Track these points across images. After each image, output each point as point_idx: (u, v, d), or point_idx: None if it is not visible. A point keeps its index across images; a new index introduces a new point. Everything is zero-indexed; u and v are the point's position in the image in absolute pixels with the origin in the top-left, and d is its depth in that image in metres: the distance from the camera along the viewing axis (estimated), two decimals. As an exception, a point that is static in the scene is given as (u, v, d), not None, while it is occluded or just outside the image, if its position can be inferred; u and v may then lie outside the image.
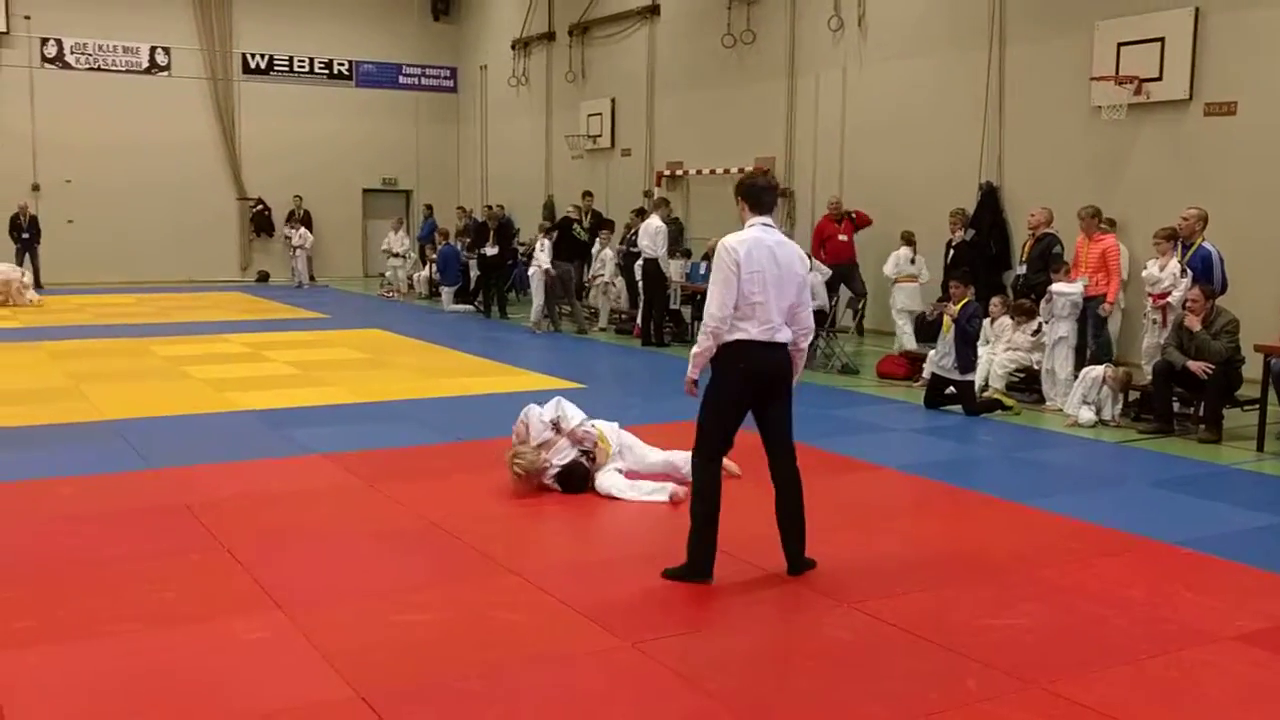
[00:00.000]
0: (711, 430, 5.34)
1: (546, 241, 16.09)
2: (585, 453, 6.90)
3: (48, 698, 3.96)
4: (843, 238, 14.63)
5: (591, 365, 13.17)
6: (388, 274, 22.38)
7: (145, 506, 6.49)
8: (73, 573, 5.31)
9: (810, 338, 5.51)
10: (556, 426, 6.97)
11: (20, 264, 20.82)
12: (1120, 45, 12.11)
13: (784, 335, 5.27)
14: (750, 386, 5.27)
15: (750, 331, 5.17)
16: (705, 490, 5.33)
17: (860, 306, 14.87)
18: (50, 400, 9.94)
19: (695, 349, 5.30)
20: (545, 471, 6.85)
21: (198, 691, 4.04)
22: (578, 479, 6.82)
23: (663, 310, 14.72)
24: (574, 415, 7.04)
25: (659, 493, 6.73)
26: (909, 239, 13.67)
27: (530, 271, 16.24)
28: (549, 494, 6.82)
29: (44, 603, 4.87)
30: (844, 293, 14.52)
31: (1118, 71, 12.06)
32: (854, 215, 14.73)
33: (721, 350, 5.22)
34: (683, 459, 6.84)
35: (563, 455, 6.87)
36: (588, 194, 19.28)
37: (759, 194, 5.37)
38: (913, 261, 13.52)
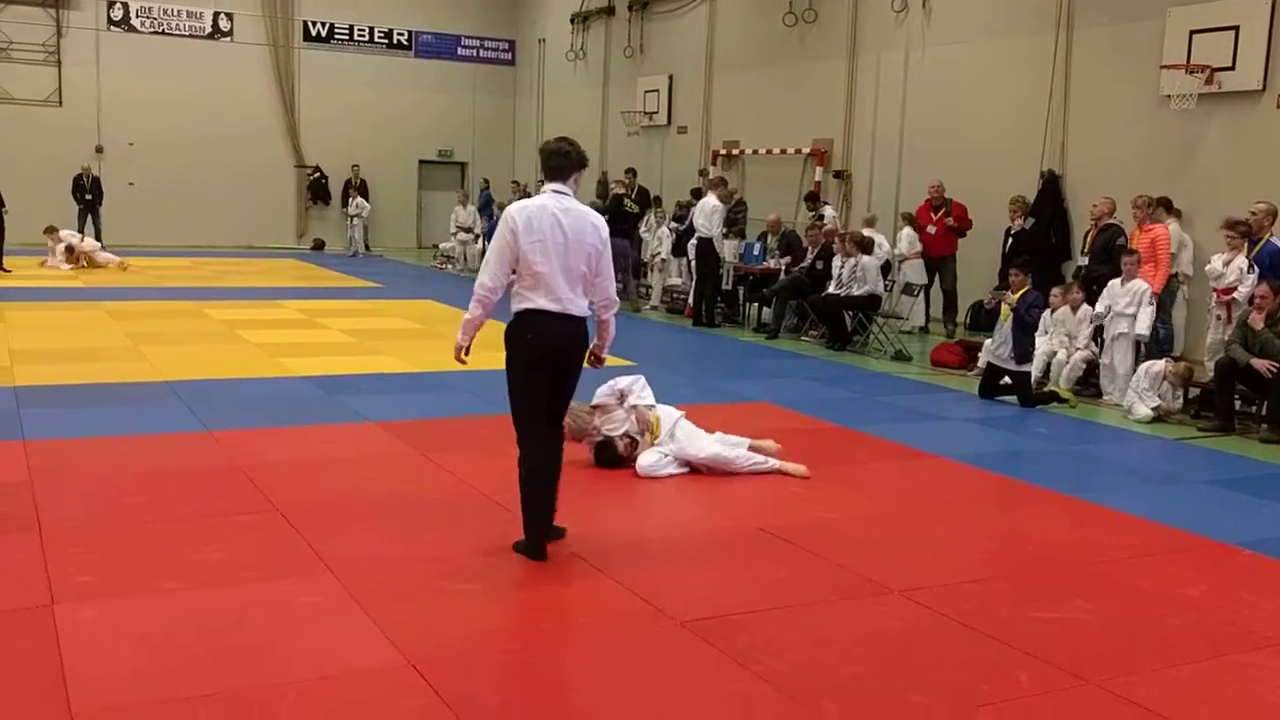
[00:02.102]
0: (519, 410, 5.17)
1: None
2: (635, 435, 6.88)
3: (105, 651, 4.02)
4: (931, 230, 14.01)
5: (641, 343, 13.11)
6: (444, 246, 22.36)
7: (200, 468, 6.57)
8: (130, 530, 5.39)
9: (614, 309, 5.28)
10: (622, 396, 7.01)
11: (82, 226, 21.13)
12: (1192, 33, 11.85)
13: (577, 308, 5.06)
14: (540, 357, 5.07)
15: (537, 301, 5.01)
16: (524, 471, 5.17)
17: (954, 303, 14.12)
18: (110, 359, 10.09)
19: (465, 315, 5.15)
20: (591, 436, 6.85)
21: (249, 652, 4.08)
22: (607, 456, 6.83)
23: (715, 290, 14.64)
24: (642, 393, 7.04)
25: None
26: (911, 219, 14.40)
27: None
28: (600, 470, 6.81)
29: (102, 559, 4.95)
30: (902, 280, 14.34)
31: (1189, 60, 11.80)
32: (951, 207, 13.93)
33: (511, 321, 5.10)
34: (734, 453, 6.78)
35: (613, 426, 6.87)
36: (630, 171, 19.25)
37: (549, 159, 5.17)
38: (920, 240, 14.31)
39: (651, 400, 7.05)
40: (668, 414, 7.03)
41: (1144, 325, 9.80)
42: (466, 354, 5.25)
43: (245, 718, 3.60)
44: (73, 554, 4.97)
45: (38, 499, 5.75)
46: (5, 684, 3.73)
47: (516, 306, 5.07)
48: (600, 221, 5.19)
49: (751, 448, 7.04)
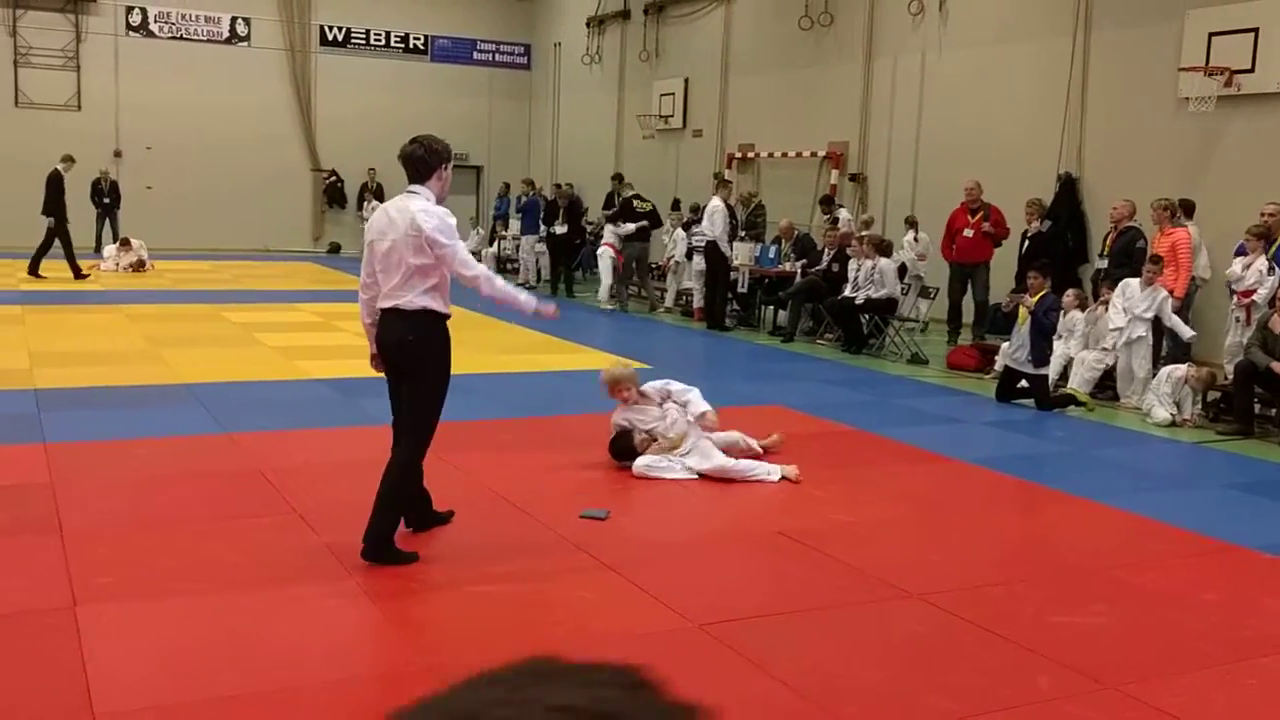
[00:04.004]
0: None
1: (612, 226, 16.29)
2: (658, 435, 6.88)
3: (127, 653, 4.05)
4: (969, 233, 13.02)
5: (656, 346, 13.16)
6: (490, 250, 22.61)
7: (219, 470, 6.60)
8: (150, 533, 5.42)
9: (480, 283, 5.01)
10: (666, 396, 7.02)
11: (100, 229, 21.30)
12: (1211, 35, 11.79)
13: (405, 302, 5.01)
14: (383, 356, 5.21)
15: (380, 300, 5.13)
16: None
17: (991, 314, 12.97)
18: (129, 362, 10.15)
19: None
20: (622, 397, 6.87)
21: (269, 655, 4.11)
22: (620, 447, 6.86)
23: (724, 293, 14.62)
24: (687, 399, 7.02)
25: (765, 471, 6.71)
26: (913, 222, 14.78)
27: (599, 251, 16.35)
28: (617, 472, 6.82)
29: (123, 561, 4.98)
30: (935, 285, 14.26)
31: (1208, 62, 11.74)
32: (990, 212, 12.99)
33: None
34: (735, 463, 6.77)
35: (643, 419, 6.87)
36: (617, 176, 19.41)
37: (404, 165, 5.19)
38: (916, 240, 14.58)
39: (696, 412, 6.92)
40: (694, 432, 6.98)
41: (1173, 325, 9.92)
42: (371, 362, 5.37)
43: None
44: (94, 556, 5.00)
45: (59, 501, 5.79)
46: (29, 685, 3.76)
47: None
48: (424, 211, 4.98)
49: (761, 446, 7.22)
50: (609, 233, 16.28)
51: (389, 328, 5.09)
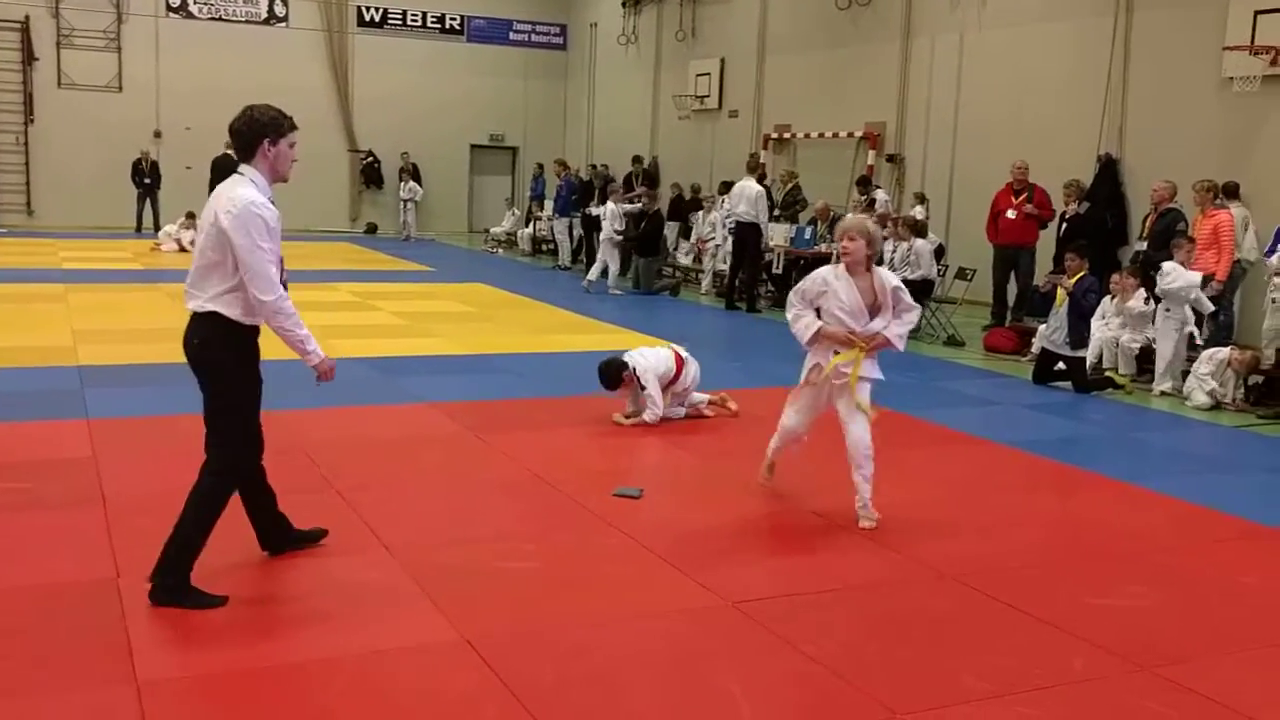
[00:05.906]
0: None
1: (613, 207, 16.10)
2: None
3: (169, 622, 4.11)
4: (1011, 214, 12.74)
5: (689, 326, 13.12)
6: (495, 230, 22.74)
7: (259, 446, 6.66)
8: (191, 506, 5.49)
9: (270, 315, 4.29)
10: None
11: (141, 209, 21.62)
12: (1257, 13, 11.61)
13: (195, 303, 4.33)
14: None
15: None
16: None
17: (1030, 297, 12.57)
18: (170, 340, 10.06)
19: None
20: (845, 248, 6.13)
21: (308, 627, 4.17)
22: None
23: (753, 274, 14.54)
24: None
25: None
26: (922, 198, 14.93)
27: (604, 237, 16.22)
28: (651, 452, 6.84)
29: (165, 533, 4.95)
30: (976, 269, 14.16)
31: (1253, 41, 11.56)
32: (1034, 193, 12.70)
33: None
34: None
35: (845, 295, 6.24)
36: (636, 158, 19.76)
37: (233, 138, 4.36)
38: (926, 217, 14.39)
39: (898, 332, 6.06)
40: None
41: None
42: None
43: (304, 689, 3.68)
44: (136, 529, 5.07)
45: (102, 475, 5.89)
46: (74, 653, 3.83)
47: None
48: (230, 200, 4.26)
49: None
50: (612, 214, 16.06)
51: (187, 328, 4.40)
